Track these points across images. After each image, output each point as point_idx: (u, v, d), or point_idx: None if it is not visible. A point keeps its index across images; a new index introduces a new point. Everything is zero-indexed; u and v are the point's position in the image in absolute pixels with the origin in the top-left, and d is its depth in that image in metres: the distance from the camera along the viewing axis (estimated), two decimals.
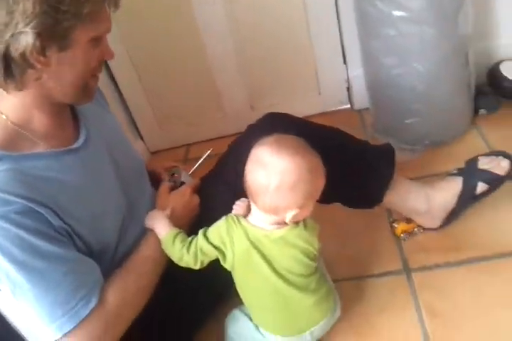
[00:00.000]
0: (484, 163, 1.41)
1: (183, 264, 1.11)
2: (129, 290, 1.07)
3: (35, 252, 0.93)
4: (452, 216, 1.43)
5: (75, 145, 1.07)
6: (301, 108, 1.94)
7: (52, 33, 0.90)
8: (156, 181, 1.36)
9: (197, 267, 1.10)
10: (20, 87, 0.96)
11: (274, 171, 0.99)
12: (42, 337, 0.99)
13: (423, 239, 1.46)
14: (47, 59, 0.93)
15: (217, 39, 1.97)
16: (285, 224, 1.06)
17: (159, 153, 2.27)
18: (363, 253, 1.48)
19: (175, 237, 1.10)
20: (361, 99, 2.05)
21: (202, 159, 1.42)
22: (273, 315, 1.15)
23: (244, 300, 1.18)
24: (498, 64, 1.91)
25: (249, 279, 1.12)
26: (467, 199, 1.40)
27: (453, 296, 1.27)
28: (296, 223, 1.07)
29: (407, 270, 1.38)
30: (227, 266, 1.10)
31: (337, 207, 1.38)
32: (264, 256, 1.06)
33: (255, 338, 1.19)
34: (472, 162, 1.43)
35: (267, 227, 1.07)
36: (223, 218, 1.10)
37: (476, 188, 1.38)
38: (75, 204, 1.01)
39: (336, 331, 1.25)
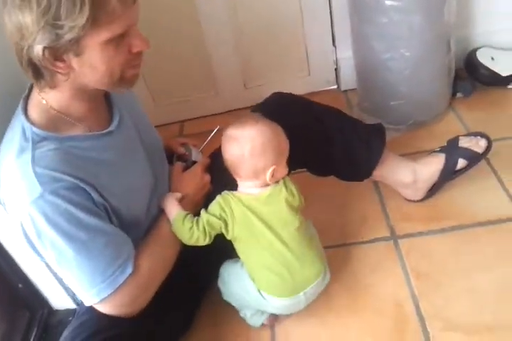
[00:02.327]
0: (464, 142, 1.55)
1: (192, 242, 1.20)
2: (157, 259, 1.16)
3: (80, 225, 1.01)
4: (434, 189, 1.58)
5: (110, 128, 1.14)
6: (291, 88, 1.99)
7: (58, 45, 0.92)
8: (169, 157, 1.41)
9: (206, 242, 1.21)
10: (53, 86, 1.02)
11: (244, 141, 1.18)
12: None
13: (408, 210, 1.59)
14: (67, 63, 0.96)
15: (214, 17, 2.01)
16: (268, 185, 1.23)
17: None
18: (352, 222, 1.60)
19: (184, 218, 1.20)
20: (347, 80, 2.16)
21: (210, 136, 1.45)
22: (272, 277, 1.24)
23: (246, 265, 1.29)
24: (474, 51, 2.03)
25: (251, 244, 1.23)
26: (448, 174, 1.54)
27: (436, 260, 1.42)
28: (277, 182, 1.24)
29: (394, 237, 1.52)
30: (229, 235, 1.22)
31: (328, 180, 1.52)
32: (259, 217, 1.20)
33: (258, 299, 1.29)
34: (453, 140, 1.57)
35: (255, 192, 1.22)
36: (218, 196, 1.23)
37: (456, 164, 1.52)
38: (112, 181, 1.09)
39: (329, 291, 1.36)
